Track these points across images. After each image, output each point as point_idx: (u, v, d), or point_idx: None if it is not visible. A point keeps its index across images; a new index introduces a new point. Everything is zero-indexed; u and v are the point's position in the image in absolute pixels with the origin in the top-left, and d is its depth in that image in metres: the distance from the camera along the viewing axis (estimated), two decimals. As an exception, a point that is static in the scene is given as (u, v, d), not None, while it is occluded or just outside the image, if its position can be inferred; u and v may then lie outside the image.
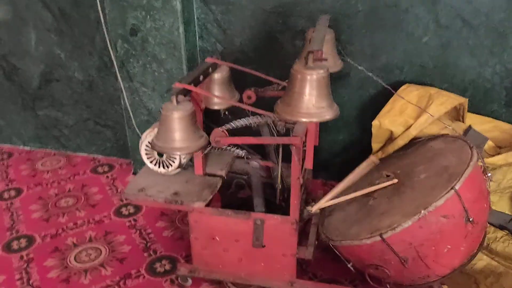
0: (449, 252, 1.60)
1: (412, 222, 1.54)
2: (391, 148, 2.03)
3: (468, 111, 2.24)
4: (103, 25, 2.42)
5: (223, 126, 1.67)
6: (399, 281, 1.72)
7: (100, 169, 2.90)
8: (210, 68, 1.92)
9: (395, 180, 1.80)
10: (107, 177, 2.82)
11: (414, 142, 2.02)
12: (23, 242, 2.27)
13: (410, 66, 2.29)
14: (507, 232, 2.15)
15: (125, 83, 2.53)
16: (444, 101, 1.96)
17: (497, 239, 2.13)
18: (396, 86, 2.23)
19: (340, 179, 2.05)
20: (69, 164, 2.97)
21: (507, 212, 2.17)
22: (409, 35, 2.22)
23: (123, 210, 2.49)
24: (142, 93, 2.53)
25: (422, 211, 1.54)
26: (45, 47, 2.77)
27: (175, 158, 1.89)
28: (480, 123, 2.18)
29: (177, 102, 1.61)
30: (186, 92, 1.68)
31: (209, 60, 1.95)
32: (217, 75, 1.99)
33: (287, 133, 1.65)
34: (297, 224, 1.75)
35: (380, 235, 1.58)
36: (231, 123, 1.64)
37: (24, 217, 2.46)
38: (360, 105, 2.44)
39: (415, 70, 2.28)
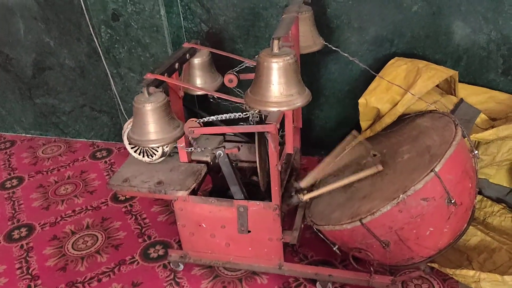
0: (432, 235, 1.57)
1: (391, 207, 1.51)
2: (379, 126, 1.97)
3: (464, 81, 2.16)
4: (85, 11, 2.39)
5: (201, 119, 1.64)
6: (384, 262, 1.70)
7: (98, 154, 2.93)
8: (188, 54, 1.88)
9: (380, 168, 1.75)
10: (105, 162, 2.85)
11: (403, 119, 1.96)
12: (24, 231, 2.34)
13: (400, 38, 2.19)
14: (504, 205, 2.10)
15: (113, 69, 2.51)
16: (432, 75, 1.88)
17: (494, 213, 2.08)
18: (387, 58, 2.15)
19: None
20: (69, 151, 3.01)
21: (504, 184, 2.11)
22: (397, 5, 2.12)
23: (120, 195, 2.52)
24: (130, 78, 2.52)
25: (401, 196, 1.50)
26: (34, 36, 2.76)
27: (157, 148, 1.88)
28: (475, 94, 2.10)
29: (149, 93, 1.58)
30: (159, 82, 1.65)
31: (186, 45, 1.90)
32: (197, 60, 1.95)
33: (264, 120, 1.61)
34: (280, 210, 1.73)
35: (360, 220, 1.56)
36: (210, 117, 1.61)
37: (25, 206, 2.52)
38: (351, 80, 2.37)
39: (406, 41, 2.19)
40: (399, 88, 1.87)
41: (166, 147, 1.90)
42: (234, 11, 2.34)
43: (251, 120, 1.61)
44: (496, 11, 2.02)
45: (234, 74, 1.92)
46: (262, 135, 1.66)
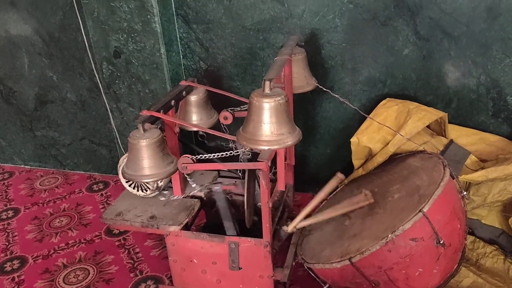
0: (422, 275, 1.57)
1: (379, 246, 1.52)
2: (371, 165, 2.00)
3: (455, 122, 2.20)
4: (88, 48, 2.47)
5: (197, 155, 1.68)
6: (375, 303, 1.69)
7: (95, 187, 2.95)
8: (184, 91, 1.94)
9: (371, 200, 1.78)
10: (102, 194, 2.87)
11: (394, 158, 1.99)
12: (16, 263, 2.33)
13: (392, 79, 2.25)
14: (497, 247, 2.10)
15: (113, 104, 2.57)
16: (423, 116, 1.92)
17: (486, 254, 2.08)
18: (380, 98, 2.21)
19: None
20: (66, 183, 3.03)
21: (497, 226, 2.11)
22: (389, 48, 2.19)
23: (114, 229, 2.52)
24: (129, 113, 2.57)
25: (390, 235, 1.51)
26: (38, 70, 2.84)
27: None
28: (466, 136, 2.13)
29: (144, 130, 1.63)
30: (155, 119, 1.70)
31: (183, 83, 1.96)
32: (193, 97, 2.01)
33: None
34: (271, 247, 1.74)
35: (349, 259, 1.56)
36: (203, 155, 1.64)
37: (19, 238, 2.53)
38: (345, 118, 2.42)
39: (398, 83, 2.25)
40: (391, 127, 1.91)
41: (160, 182, 1.93)
42: (232, 51, 2.42)
43: (241, 158, 1.64)
44: (485, 55, 2.08)
45: (229, 111, 1.97)
46: (252, 172, 1.69)
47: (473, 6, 2.00)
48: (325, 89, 1.82)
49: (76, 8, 2.46)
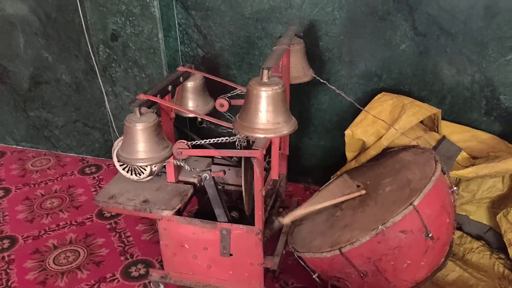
0: (409, 267, 1.60)
1: (370, 237, 1.54)
2: (364, 158, 2.02)
3: (448, 119, 2.23)
4: (85, 30, 2.45)
5: (192, 141, 1.68)
6: (362, 293, 1.73)
7: (87, 170, 2.95)
8: (182, 77, 1.94)
9: (363, 192, 1.81)
10: (94, 178, 2.87)
11: (387, 152, 2.01)
12: (6, 243, 2.33)
13: (388, 74, 2.27)
14: (484, 242, 2.14)
15: (108, 87, 2.56)
16: (416, 111, 1.94)
17: (473, 249, 2.12)
18: (375, 92, 2.23)
19: (321, 183, 2.07)
20: (58, 165, 3.02)
21: (484, 222, 2.15)
22: (386, 43, 2.20)
23: (106, 212, 2.53)
24: (125, 97, 2.56)
25: (380, 227, 1.53)
26: (34, 50, 2.82)
27: (145, 166, 1.91)
28: (458, 132, 2.16)
29: (140, 113, 1.63)
30: (151, 103, 1.70)
31: (180, 69, 1.96)
32: (190, 83, 2.01)
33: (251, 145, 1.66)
34: (262, 234, 1.76)
35: (340, 249, 1.59)
36: (199, 140, 1.65)
37: (9, 218, 2.52)
38: (340, 111, 2.43)
39: (393, 77, 2.27)
40: (384, 122, 1.93)
41: (154, 166, 1.93)
42: (230, 39, 2.41)
43: (237, 145, 1.65)
44: (481, 54, 2.10)
45: (225, 99, 1.98)
46: (248, 160, 1.70)
47: (471, 4, 2.01)
48: (322, 81, 1.83)
49: (74, -12, 2.44)
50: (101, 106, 2.84)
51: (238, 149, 1.67)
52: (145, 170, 1.94)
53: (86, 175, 2.90)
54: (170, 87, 1.83)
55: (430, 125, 2.14)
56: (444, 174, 1.71)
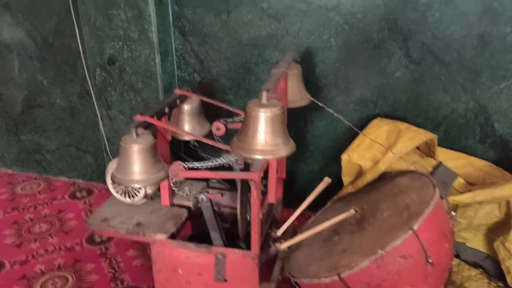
0: (409, 293, 1.57)
1: (369, 262, 1.52)
2: (361, 183, 2.01)
3: (443, 146, 2.24)
4: (82, 54, 2.46)
5: (187, 163, 1.66)
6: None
7: (78, 194, 2.90)
8: (178, 100, 1.94)
9: (352, 211, 1.79)
10: (85, 202, 2.81)
11: (384, 177, 2.00)
12: (-8, 268, 2.26)
13: (384, 100, 2.29)
14: (481, 270, 2.11)
15: (103, 111, 2.55)
16: (413, 136, 1.95)
17: (471, 277, 2.09)
18: (371, 118, 2.24)
19: (317, 209, 2.07)
20: (48, 189, 2.97)
21: (481, 249, 2.13)
22: (381, 70, 2.23)
23: (96, 237, 2.47)
24: (120, 121, 2.55)
25: (379, 251, 1.51)
26: (28, 74, 2.81)
27: (140, 189, 1.88)
28: (454, 159, 2.16)
29: (137, 134, 1.61)
30: (148, 125, 1.69)
31: (177, 91, 1.96)
32: (186, 106, 2.01)
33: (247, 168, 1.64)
34: (259, 259, 1.72)
35: (338, 274, 1.56)
36: (195, 163, 1.63)
37: (-4, 243, 2.45)
38: (336, 137, 2.44)
39: (389, 104, 2.29)
40: (380, 146, 1.93)
41: (149, 189, 1.90)
42: (227, 64, 2.43)
43: (233, 167, 1.63)
44: (474, 82, 2.14)
45: (222, 122, 1.98)
46: (245, 182, 1.68)
47: (465, 34, 2.06)
48: (321, 104, 1.84)
49: (73, 14, 2.46)
50: (95, 130, 2.82)
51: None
52: (139, 192, 1.92)
53: (77, 200, 2.85)
54: (167, 109, 1.83)
55: (425, 151, 2.15)
56: (443, 199, 1.71)
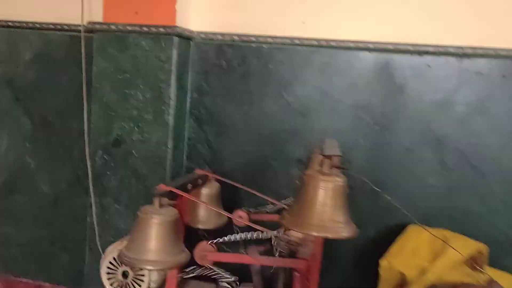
0: None
1: None
2: (404, 297, 1.71)
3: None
4: (86, 134, 2.25)
5: (219, 239, 1.37)
6: None
7: (42, 301, 2.41)
8: (200, 180, 1.70)
9: None
10: (49, 311, 2.32)
11: (432, 291, 1.71)
12: None
13: (414, 208, 2.09)
14: None
15: (96, 198, 2.25)
16: (463, 245, 1.73)
17: None
18: (399, 229, 2.01)
19: None
20: (6, 292, 2.47)
21: None
22: (413, 175, 2.09)
23: None
24: (113, 210, 2.23)
25: None
26: (15, 155, 2.53)
27: (142, 281, 1.52)
28: (497, 278, 1.91)
29: (161, 205, 1.34)
30: (171, 198, 1.42)
31: (198, 171, 1.74)
32: (205, 190, 1.78)
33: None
34: None
35: None
36: (224, 237, 1.34)
37: None
38: (359, 247, 2.17)
39: (420, 212, 2.08)
40: (427, 253, 1.69)
41: (153, 283, 1.54)
42: (243, 157, 2.26)
43: (275, 248, 1.34)
44: (513, 194, 2.01)
45: (245, 211, 1.73)
46: (279, 274, 1.37)
47: (502, 143, 1.99)
48: (375, 188, 1.61)
49: (84, 92, 2.30)
50: (79, 223, 2.44)
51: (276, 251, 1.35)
52: (139, 286, 1.55)
53: (40, 307, 2.35)
54: (190, 186, 1.58)
55: (469, 264, 1.90)
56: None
